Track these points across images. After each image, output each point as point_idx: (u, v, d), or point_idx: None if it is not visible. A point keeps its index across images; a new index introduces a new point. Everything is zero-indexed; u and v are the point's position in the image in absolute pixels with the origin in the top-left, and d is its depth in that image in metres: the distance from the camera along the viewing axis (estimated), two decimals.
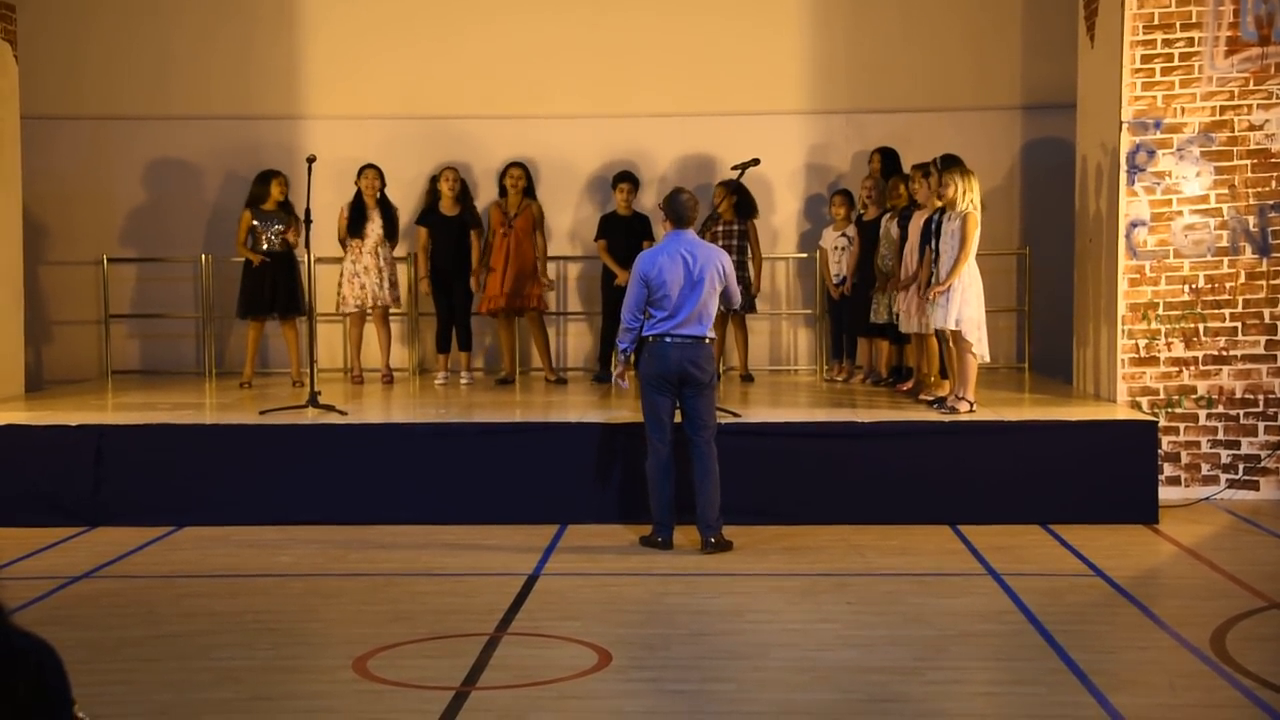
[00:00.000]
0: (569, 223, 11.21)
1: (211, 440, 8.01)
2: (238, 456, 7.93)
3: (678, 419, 7.16)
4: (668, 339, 7.00)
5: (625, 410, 8.56)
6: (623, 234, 10.26)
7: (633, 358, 7.21)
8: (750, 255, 10.33)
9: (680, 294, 6.96)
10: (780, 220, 11.25)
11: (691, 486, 7.09)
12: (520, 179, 10.17)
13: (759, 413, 8.49)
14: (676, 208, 7.10)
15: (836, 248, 10.33)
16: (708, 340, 7.06)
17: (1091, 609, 6.01)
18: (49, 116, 10.84)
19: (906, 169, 9.88)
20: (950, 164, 8.48)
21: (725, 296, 7.17)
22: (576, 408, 8.98)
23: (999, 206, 10.64)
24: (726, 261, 7.11)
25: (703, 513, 7.06)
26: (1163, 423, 8.29)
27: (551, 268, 10.70)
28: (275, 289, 10.04)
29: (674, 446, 7.13)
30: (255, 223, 10.02)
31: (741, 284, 10.26)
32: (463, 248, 10.13)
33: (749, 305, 10.38)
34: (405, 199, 10.90)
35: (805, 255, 11.18)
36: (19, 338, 9.70)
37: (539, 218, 10.28)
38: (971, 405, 8.08)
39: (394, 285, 10.19)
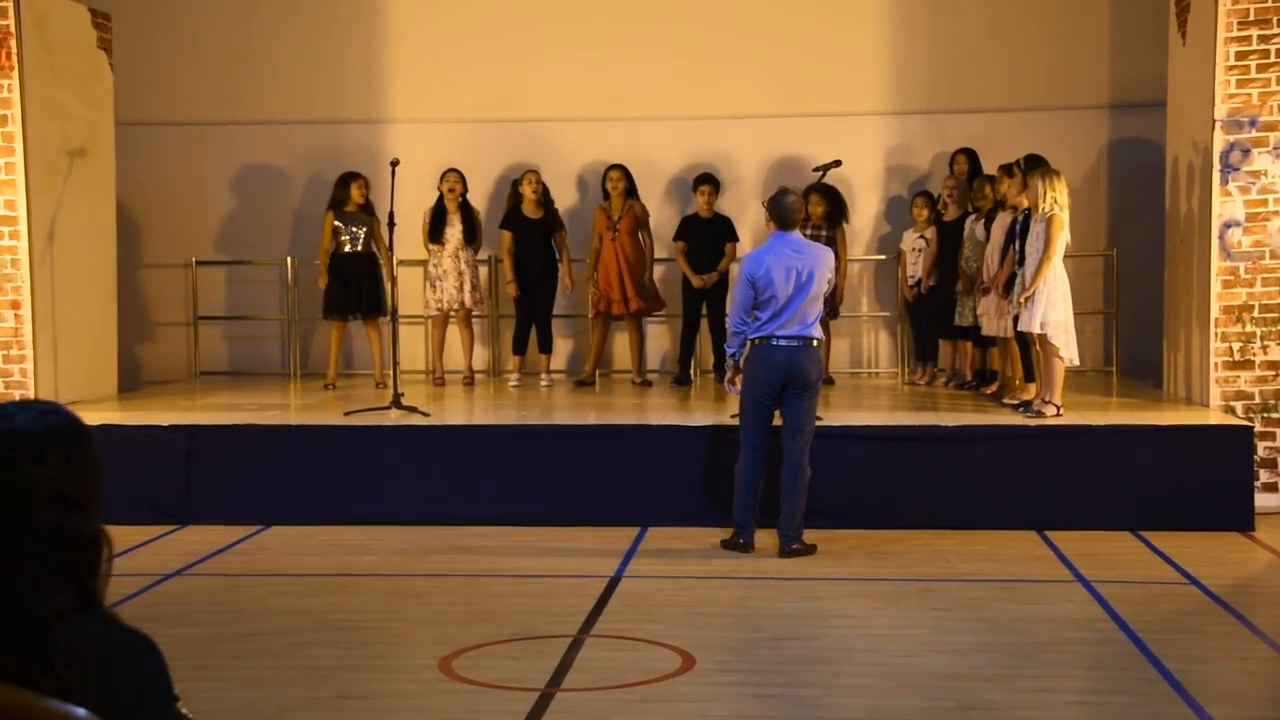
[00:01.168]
0: (651, 224, 11.19)
1: (298, 441, 8.11)
2: (323, 457, 8.02)
3: (777, 422, 7.09)
4: (773, 341, 6.91)
5: (705, 413, 8.54)
6: (704, 236, 10.24)
7: (741, 361, 7.13)
8: (837, 261, 10.22)
9: (787, 296, 6.88)
10: (861, 222, 11.15)
11: (779, 490, 7.05)
12: (620, 180, 10.19)
13: (841, 416, 8.42)
14: (780, 209, 7.00)
15: (914, 249, 10.22)
16: (814, 343, 6.97)
17: (1186, 618, 5.88)
18: (143, 122, 11.04)
19: (989, 169, 9.75)
20: (1034, 164, 8.36)
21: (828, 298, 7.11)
22: (656, 410, 8.97)
23: (1085, 207, 10.45)
24: (832, 262, 7.04)
25: (785, 518, 7.02)
26: (1258, 428, 8.09)
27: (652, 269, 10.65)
28: (359, 290, 10.14)
29: (767, 452, 7.07)
30: (337, 224, 10.13)
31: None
32: (546, 250, 10.17)
33: (832, 311, 10.29)
34: (486, 202, 10.96)
35: (885, 257, 11.08)
36: (112, 339, 9.89)
37: (643, 218, 10.30)
38: (1058, 409, 7.95)
39: (475, 288, 10.26)
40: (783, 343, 6.88)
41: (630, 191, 10.26)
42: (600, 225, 10.21)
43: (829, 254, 7.07)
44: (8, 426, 1.75)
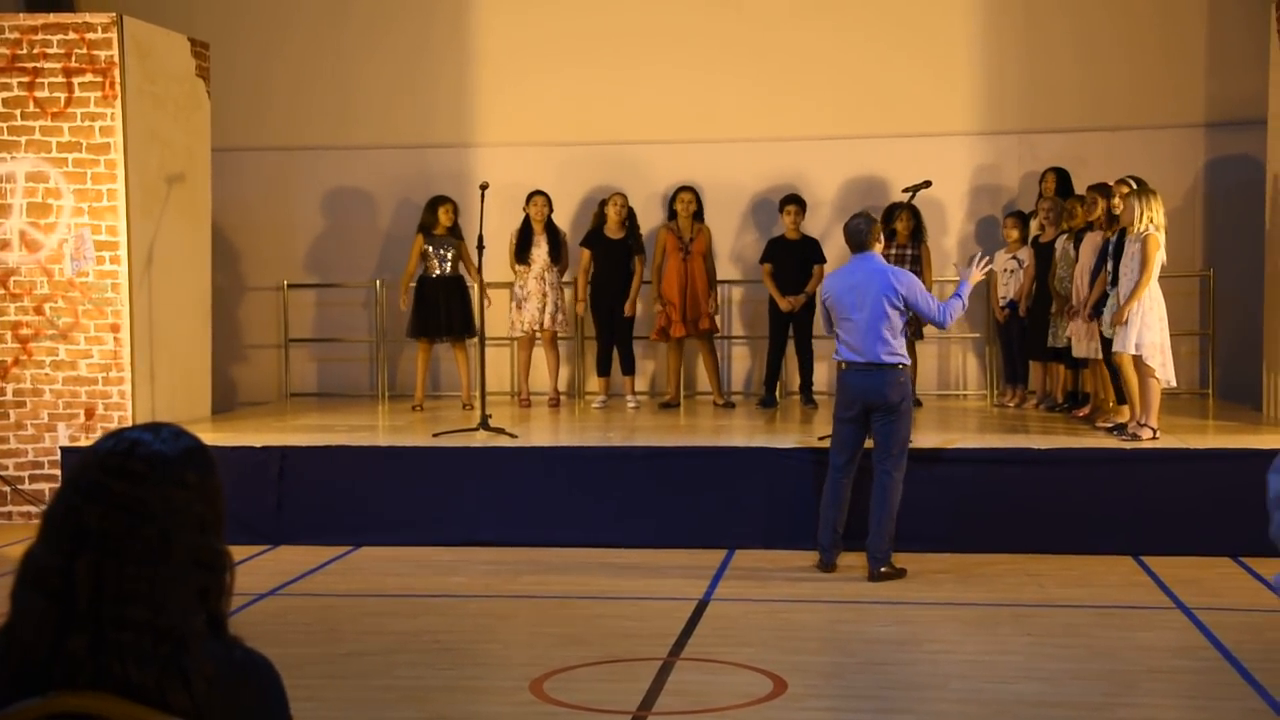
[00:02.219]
0: (734, 246, 11.20)
1: (387, 462, 8.20)
2: (412, 478, 8.09)
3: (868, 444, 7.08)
4: (844, 365, 7.01)
5: (792, 435, 8.49)
6: (791, 257, 10.20)
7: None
8: (923, 278, 10.17)
9: (853, 319, 6.92)
10: (950, 242, 11.05)
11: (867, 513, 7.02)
12: (692, 203, 10.22)
13: (929, 438, 8.31)
14: (846, 235, 7.15)
15: (1006, 270, 10.11)
16: (888, 366, 6.91)
17: None
18: (236, 148, 11.27)
19: (1078, 189, 9.62)
20: (1131, 184, 8.22)
21: (919, 314, 7.09)
22: (743, 432, 8.94)
23: (1181, 227, 10.25)
24: (903, 282, 6.96)
25: (871, 541, 6.98)
26: None
27: (718, 291, 10.67)
28: (449, 312, 10.23)
29: (847, 475, 7.06)
30: (427, 247, 10.24)
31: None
32: (626, 271, 10.21)
33: (918, 331, 10.22)
34: (571, 225, 11.03)
35: None
36: (206, 361, 10.08)
37: (710, 241, 10.32)
38: (1155, 432, 7.81)
39: (559, 309, 10.32)
40: (852, 368, 6.95)
41: (698, 214, 10.27)
42: (669, 245, 10.22)
43: (899, 275, 6.99)
44: (150, 451, 1.79)
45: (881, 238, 7.19)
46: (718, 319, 10.55)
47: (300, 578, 7.24)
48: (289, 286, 11.50)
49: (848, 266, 7.09)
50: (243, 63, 11.39)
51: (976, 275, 7.23)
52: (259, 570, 7.37)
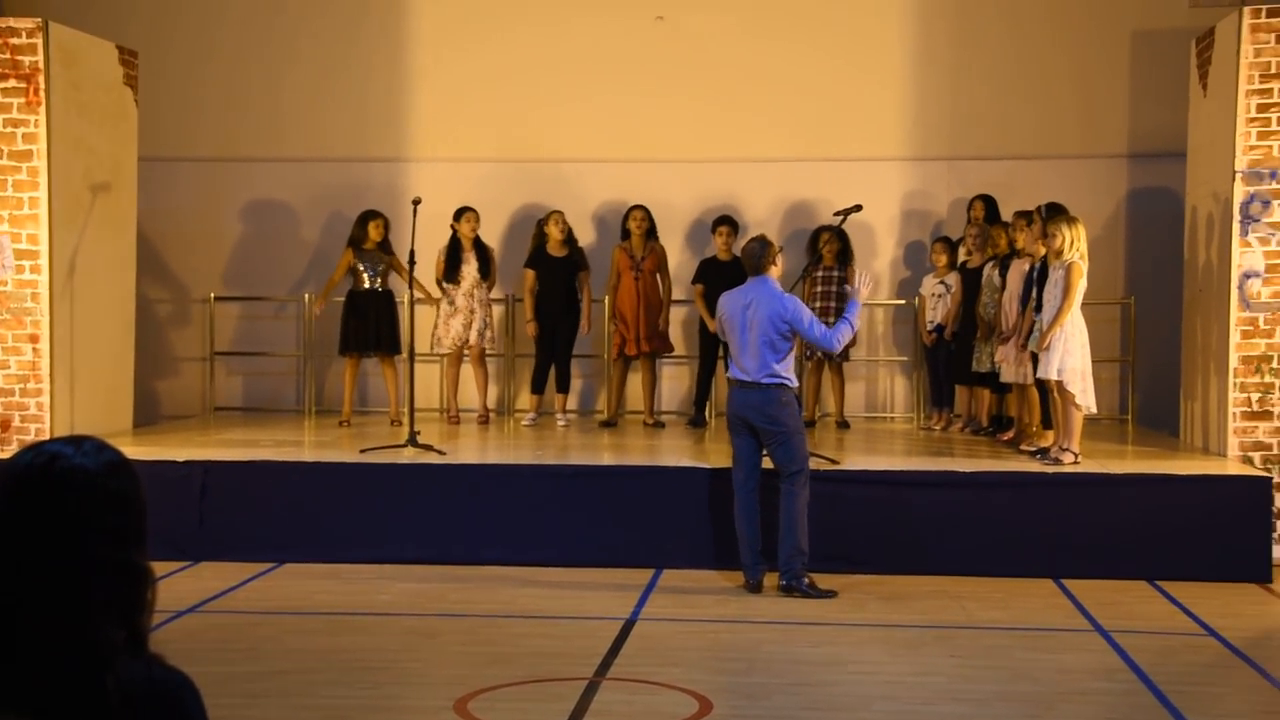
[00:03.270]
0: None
1: (313, 477, 8.11)
2: (338, 494, 8.01)
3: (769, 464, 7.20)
4: (730, 381, 7.26)
5: (721, 455, 8.52)
6: (722, 278, 10.20)
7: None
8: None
9: (739, 339, 7.13)
10: (879, 266, 11.17)
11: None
12: (644, 221, 10.24)
13: (856, 460, 8.40)
14: (744, 256, 7.35)
15: (934, 294, 10.24)
16: (771, 386, 7.02)
17: (1206, 669, 5.83)
18: (165, 158, 11.12)
19: (1006, 216, 9.78)
20: (1055, 212, 8.37)
21: (814, 344, 7.27)
22: (672, 451, 8.96)
23: (1102, 255, 10.45)
24: (792, 310, 7.04)
25: (780, 558, 7.09)
26: (1276, 479, 8.04)
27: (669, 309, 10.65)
28: (377, 327, 10.15)
29: (752, 489, 7.18)
30: (356, 263, 10.15)
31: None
32: (570, 290, 10.19)
33: (843, 353, 10.32)
34: (501, 242, 11.00)
35: (903, 302, 11.09)
36: (129, 374, 9.92)
37: (663, 259, 10.35)
38: (1076, 457, 7.93)
39: (486, 327, 10.28)
40: (736, 384, 7.16)
41: (650, 232, 10.30)
42: (622, 264, 10.23)
43: (787, 302, 7.07)
44: (70, 464, 1.76)
45: (779, 261, 7.30)
46: (671, 336, 10.54)
47: (221, 595, 7.13)
48: (215, 299, 11.35)
49: (742, 288, 7.23)
50: (172, 72, 11.25)
51: (863, 293, 7.33)
52: (179, 587, 7.24)
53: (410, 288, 8.93)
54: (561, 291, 10.16)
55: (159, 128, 10.95)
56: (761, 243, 7.29)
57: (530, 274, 10.22)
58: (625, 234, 10.34)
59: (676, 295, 10.77)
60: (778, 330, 7.03)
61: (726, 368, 7.46)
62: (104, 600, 1.73)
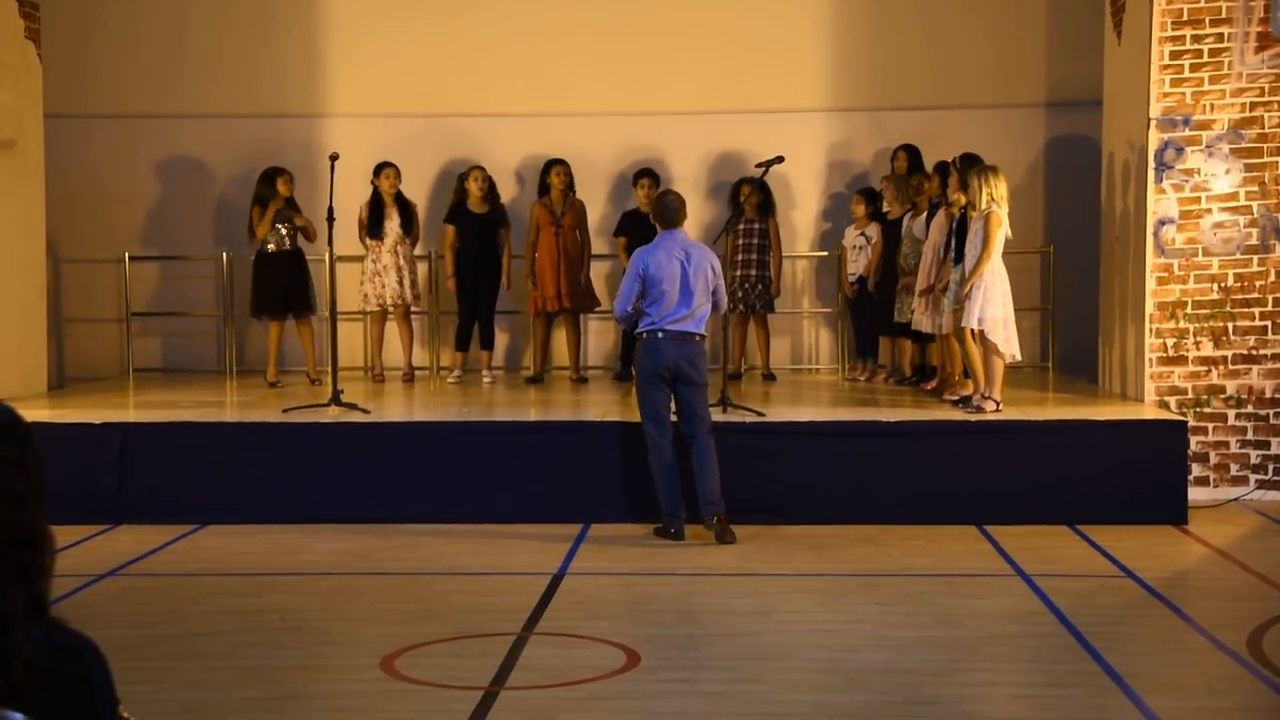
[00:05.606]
0: (590, 221, 11.16)
1: (234, 438, 8.00)
2: (261, 455, 7.90)
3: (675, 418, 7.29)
4: (660, 334, 7.19)
5: None
6: (645, 231, 10.17)
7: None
8: (770, 253, 10.30)
9: (678, 291, 7.12)
10: (802, 218, 11.20)
11: (693, 479, 7.22)
12: (564, 175, 10.15)
13: (782, 412, 8.44)
14: (663, 210, 7.35)
15: (854, 246, 10.28)
16: (698, 338, 7.24)
17: (1123, 610, 5.95)
18: (73, 115, 10.83)
19: (929, 167, 9.83)
20: (970, 163, 8.42)
21: (715, 297, 7.34)
22: (599, 406, 8.94)
23: (1022, 204, 10.54)
24: (716, 263, 7.34)
25: (704, 494, 7.20)
26: (1191, 422, 8.21)
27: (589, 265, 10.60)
28: (288, 288, 9.96)
29: (674, 440, 7.28)
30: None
31: (762, 283, 10.25)
32: (491, 246, 10.10)
33: (768, 305, 10.35)
34: (426, 198, 10.87)
35: (826, 254, 11.13)
36: (42, 335, 9.70)
37: (583, 214, 10.27)
38: (997, 404, 8.02)
39: (414, 284, 10.16)
40: (671, 336, 7.16)
41: (570, 187, 10.22)
42: (542, 220, 10.14)
43: (713, 255, 7.36)
44: None
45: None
46: (594, 292, 10.49)
47: (141, 558, 7.02)
48: (131, 259, 11.11)
49: (666, 241, 7.25)
50: (80, 25, 10.95)
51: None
52: (98, 551, 7.12)
53: (330, 244, 8.76)
54: (483, 248, 10.06)
55: (68, 83, 10.66)
56: (677, 196, 7.41)
57: (450, 229, 10.11)
58: (544, 189, 10.25)
59: (598, 249, 10.72)
60: (711, 282, 7.19)
61: (649, 320, 7.37)
62: (2, 565, 1.68)
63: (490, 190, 10.14)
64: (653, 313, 7.20)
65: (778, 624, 5.76)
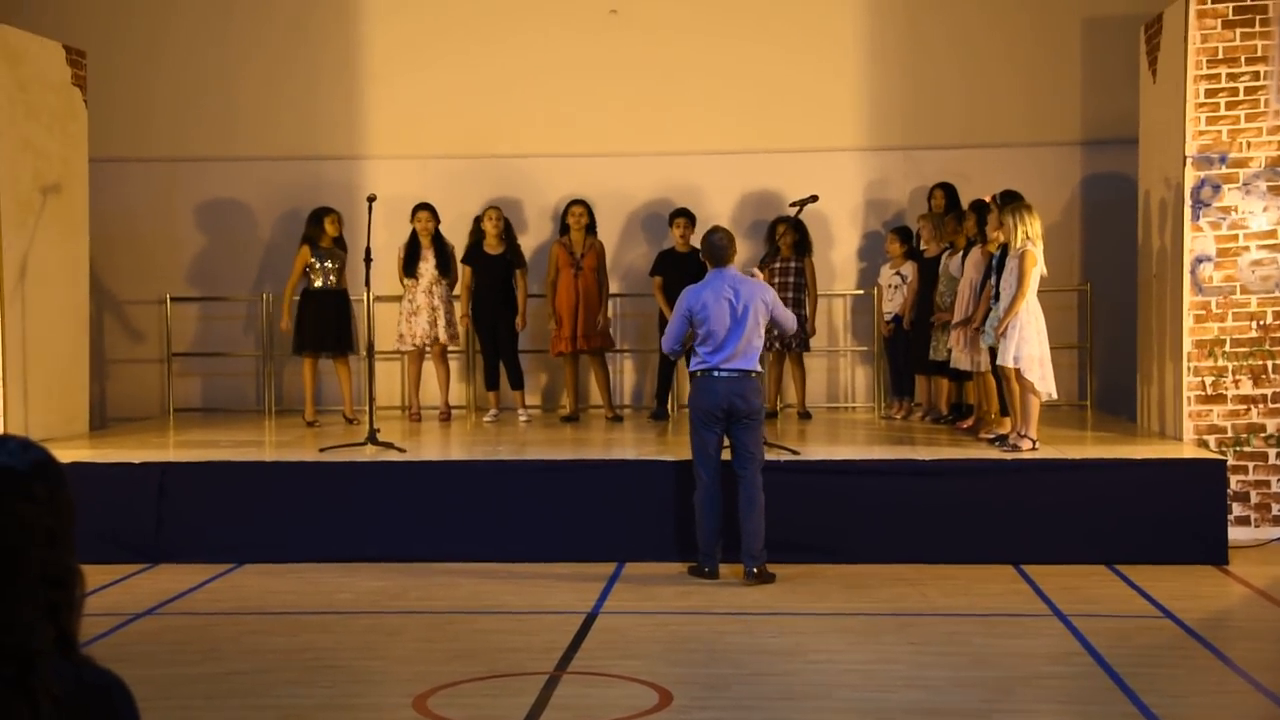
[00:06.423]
0: (624, 259, 11.23)
1: (272, 477, 8.06)
2: (298, 494, 7.96)
3: (726, 456, 7.22)
4: (715, 373, 7.13)
5: (683, 447, 8.51)
6: (680, 270, 10.23)
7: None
8: (806, 293, 10.31)
9: (726, 329, 7.08)
10: (839, 257, 11.21)
11: (738, 520, 7.16)
12: (583, 216, 10.21)
13: (817, 450, 8.42)
14: (711, 248, 7.36)
15: (890, 285, 10.28)
16: (754, 374, 7.19)
17: (1162, 651, 5.88)
18: (117, 159, 11.01)
19: (965, 205, 9.82)
20: (1008, 200, 8.41)
21: (779, 325, 7.28)
22: (634, 445, 8.95)
23: (1059, 242, 10.51)
24: (769, 295, 7.28)
25: (747, 544, 7.13)
26: (1231, 461, 8.13)
27: (608, 305, 10.68)
28: (328, 327, 10.07)
29: (721, 480, 7.21)
30: (313, 260, 10.08)
31: (798, 321, 10.25)
32: (507, 287, 10.17)
33: (804, 343, 10.35)
34: (461, 238, 10.96)
35: (862, 292, 11.12)
36: (85, 377, 9.83)
37: (602, 255, 10.32)
38: (1034, 443, 7.98)
39: (450, 323, 10.24)
40: (724, 375, 7.11)
41: (591, 229, 10.28)
42: (561, 261, 10.20)
43: (765, 289, 7.30)
44: None
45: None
46: (612, 333, 10.56)
47: (179, 596, 7.07)
48: (172, 300, 11.26)
49: (717, 280, 7.23)
50: (123, 72, 11.14)
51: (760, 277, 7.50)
52: (136, 590, 7.19)
53: (367, 285, 8.84)
54: (497, 288, 10.13)
55: (112, 128, 10.85)
56: (726, 233, 7.38)
57: (467, 270, 10.21)
58: (564, 229, 10.31)
59: (634, 288, 10.76)
60: (763, 318, 7.16)
61: (688, 362, 7.40)
62: (31, 601, 1.71)
63: (506, 230, 10.22)
64: (703, 352, 7.18)
65: (811, 664, 5.73)
